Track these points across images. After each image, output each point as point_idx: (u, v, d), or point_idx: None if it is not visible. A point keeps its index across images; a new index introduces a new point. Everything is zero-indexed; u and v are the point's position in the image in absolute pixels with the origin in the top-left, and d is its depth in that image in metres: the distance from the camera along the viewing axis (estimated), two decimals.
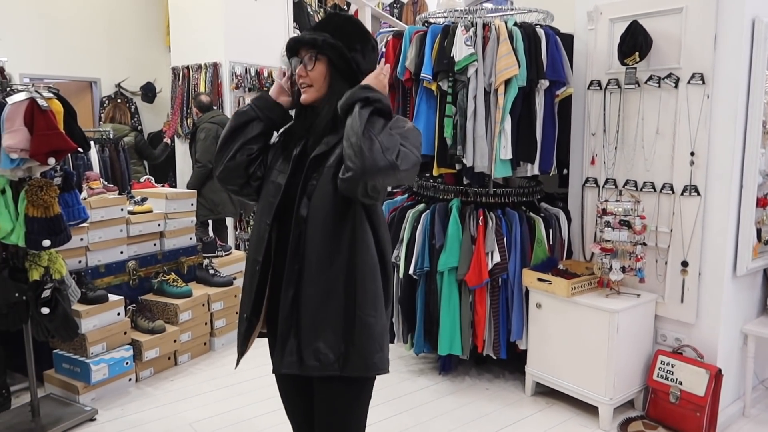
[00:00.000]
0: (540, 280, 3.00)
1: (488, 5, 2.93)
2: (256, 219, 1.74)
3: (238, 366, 1.83)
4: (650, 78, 2.85)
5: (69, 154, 3.78)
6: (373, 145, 1.45)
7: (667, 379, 2.82)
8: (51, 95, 2.73)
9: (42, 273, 2.72)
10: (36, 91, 2.67)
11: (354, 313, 1.58)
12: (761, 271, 3.02)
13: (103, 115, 6.50)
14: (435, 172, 3.19)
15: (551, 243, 3.25)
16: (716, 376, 2.72)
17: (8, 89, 2.67)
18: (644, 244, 2.86)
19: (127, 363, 3.24)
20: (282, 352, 1.60)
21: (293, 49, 1.67)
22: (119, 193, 3.83)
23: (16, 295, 2.67)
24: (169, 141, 6.09)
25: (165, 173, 6.56)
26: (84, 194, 3.50)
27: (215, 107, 5.58)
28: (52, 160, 2.63)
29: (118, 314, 3.26)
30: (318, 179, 1.58)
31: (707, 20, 2.67)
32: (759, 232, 2.92)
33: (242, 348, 1.75)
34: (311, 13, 6.93)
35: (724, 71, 2.66)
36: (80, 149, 2.83)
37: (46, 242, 2.63)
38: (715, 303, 2.79)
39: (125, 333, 3.28)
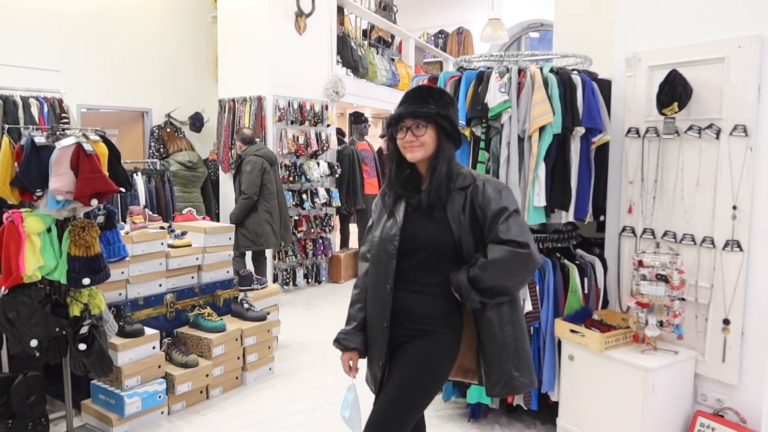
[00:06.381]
0: (573, 331, 2.93)
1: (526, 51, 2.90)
2: None
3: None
4: (690, 128, 2.77)
5: None
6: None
7: None
8: (97, 138, 2.87)
9: (82, 309, 2.83)
10: (83, 135, 2.81)
11: None
12: None
13: (171, 148, 6.68)
14: None
15: (586, 292, 3.16)
16: None
17: (58, 133, 2.81)
18: (683, 299, 2.75)
19: (160, 396, 3.31)
20: None
21: (398, 119, 1.98)
22: (163, 222, 3.97)
23: (57, 329, 2.78)
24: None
25: (209, 203, 6.75)
26: (127, 228, 3.64)
27: (258, 140, 5.72)
28: (95, 202, 2.75)
29: (153, 348, 3.35)
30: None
31: (750, 71, 2.58)
32: None
33: None
34: (354, 47, 7.05)
35: None
36: (122, 189, 2.95)
37: (86, 281, 2.74)
38: (760, 365, 2.65)
39: (159, 366, 3.36)
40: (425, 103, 1.96)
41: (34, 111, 4.91)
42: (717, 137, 2.69)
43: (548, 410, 3.21)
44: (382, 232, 2.02)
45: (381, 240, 2.02)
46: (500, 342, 1.94)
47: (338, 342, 2.10)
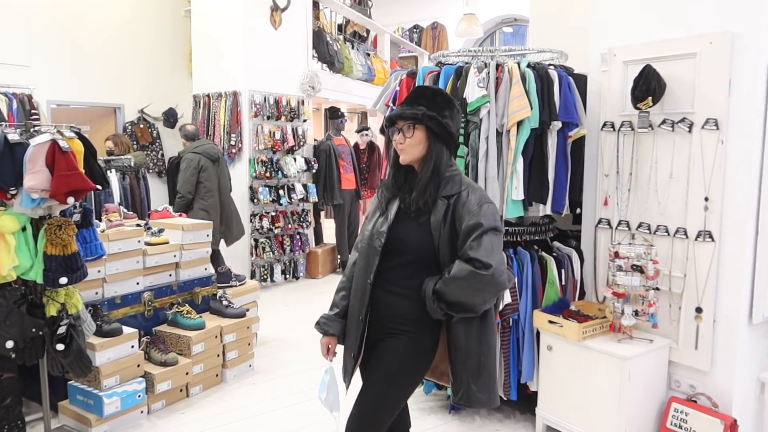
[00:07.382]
0: (551, 322, 2.98)
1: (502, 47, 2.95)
2: None
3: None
4: (664, 122, 2.84)
5: None
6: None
7: (680, 427, 2.77)
8: (72, 135, 2.82)
9: (59, 309, 2.78)
10: (58, 132, 2.76)
11: None
12: None
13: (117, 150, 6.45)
14: None
15: (563, 283, 3.22)
16: (731, 427, 2.66)
17: (32, 130, 2.75)
18: (657, 288, 2.82)
19: (139, 396, 3.27)
20: None
21: (392, 120, 2.02)
22: (139, 219, 3.90)
23: (33, 330, 2.73)
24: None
25: None
26: (102, 226, 3.58)
27: (233, 135, 5.66)
28: (71, 200, 2.70)
29: (132, 347, 3.30)
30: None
31: (721, 66, 2.66)
32: None
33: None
34: (330, 42, 7.02)
35: (738, 117, 2.64)
36: (99, 187, 2.90)
37: (63, 280, 2.69)
38: (731, 351, 2.74)
39: (138, 365, 3.32)
40: (416, 104, 1.97)
41: (3, 107, 4.79)
42: (689, 131, 2.77)
43: (527, 400, 3.27)
44: (373, 227, 2.05)
45: (371, 234, 2.04)
46: (463, 352, 1.96)
47: (319, 325, 2.15)
